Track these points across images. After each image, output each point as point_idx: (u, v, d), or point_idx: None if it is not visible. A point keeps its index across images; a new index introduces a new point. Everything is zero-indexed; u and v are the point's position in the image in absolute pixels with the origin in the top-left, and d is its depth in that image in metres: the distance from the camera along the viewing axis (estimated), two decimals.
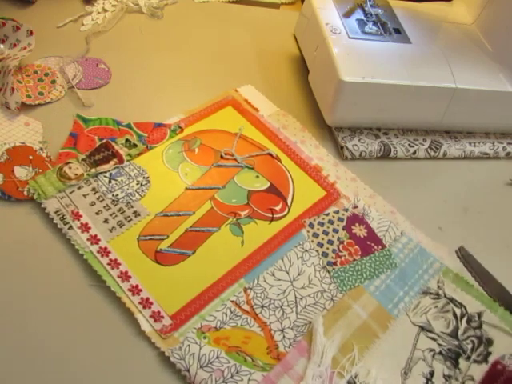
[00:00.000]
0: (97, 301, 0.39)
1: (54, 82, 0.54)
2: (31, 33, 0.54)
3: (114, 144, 0.49)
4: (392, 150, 0.55)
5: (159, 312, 0.38)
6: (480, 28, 0.62)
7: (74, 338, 0.37)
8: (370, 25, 0.58)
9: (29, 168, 0.45)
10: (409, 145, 0.56)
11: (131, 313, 0.38)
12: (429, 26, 0.61)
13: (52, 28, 0.60)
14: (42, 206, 0.43)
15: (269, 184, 0.49)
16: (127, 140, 0.49)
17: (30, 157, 0.46)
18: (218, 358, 0.37)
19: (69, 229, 0.42)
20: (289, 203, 0.48)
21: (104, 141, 0.49)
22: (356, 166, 0.54)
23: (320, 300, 0.42)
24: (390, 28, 0.58)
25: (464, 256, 0.44)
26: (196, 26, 0.66)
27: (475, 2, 0.63)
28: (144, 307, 0.39)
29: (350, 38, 0.55)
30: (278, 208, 0.48)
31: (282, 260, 0.44)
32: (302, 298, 0.42)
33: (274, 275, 0.43)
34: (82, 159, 0.47)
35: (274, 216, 0.47)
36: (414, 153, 0.56)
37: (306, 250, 0.45)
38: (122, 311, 0.39)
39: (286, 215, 0.47)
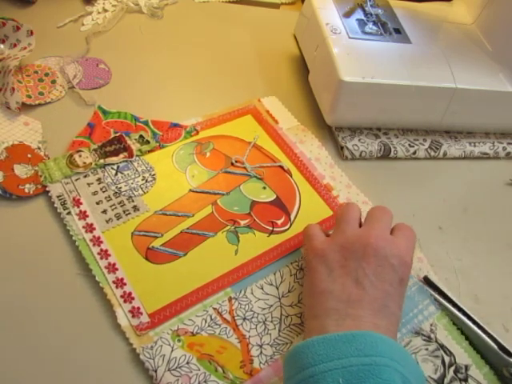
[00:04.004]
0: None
1: (54, 82, 0.54)
2: (31, 33, 0.54)
3: (127, 138, 0.49)
4: (392, 149, 0.55)
5: (139, 308, 0.38)
6: (480, 28, 0.62)
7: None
8: (370, 25, 0.58)
9: (28, 166, 0.45)
10: (409, 145, 0.56)
11: (111, 305, 0.38)
12: (429, 26, 0.61)
13: (52, 28, 0.60)
14: (47, 188, 0.44)
15: (275, 196, 0.49)
16: (141, 136, 0.50)
17: (29, 155, 0.46)
18: (188, 363, 0.36)
19: (67, 214, 0.43)
20: (292, 218, 0.47)
21: (118, 134, 0.50)
22: (356, 166, 0.54)
23: None
24: (390, 28, 0.58)
25: (429, 284, 0.44)
26: (196, 25, 0.66)
27: (475, 2, 0.63)
28: (125, 301, 0.39)
29: (350, 38, 0.55)
30: (279, 222, 0.47)
31: (274, 275, 0.43)
32: (287, 316, 0.40)
33: (262, 288, 0.42)
34: (94, 149, 0.48)
35: (274, 229, 0.46)
36: (414, 153, 0.56)
37: (301, 269, 0.44)
38: (103, 303, 0.39)
39: (286, 230, 0.46)
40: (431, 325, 0.42)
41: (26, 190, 0.44)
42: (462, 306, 0.42)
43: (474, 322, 0.41)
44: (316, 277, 0.38)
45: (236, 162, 0.51)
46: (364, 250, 0.38)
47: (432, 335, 0.41)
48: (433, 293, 0.43)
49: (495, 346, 0.40)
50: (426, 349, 0.40)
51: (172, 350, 0.37)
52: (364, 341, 0.32)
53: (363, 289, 0.36)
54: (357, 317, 0.35)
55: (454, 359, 0.40)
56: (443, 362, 0.40)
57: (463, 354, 0.40)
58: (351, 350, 0.31)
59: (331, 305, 0.36)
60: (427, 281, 0.44)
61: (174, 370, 0.36)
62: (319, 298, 0.37)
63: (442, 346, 0.41)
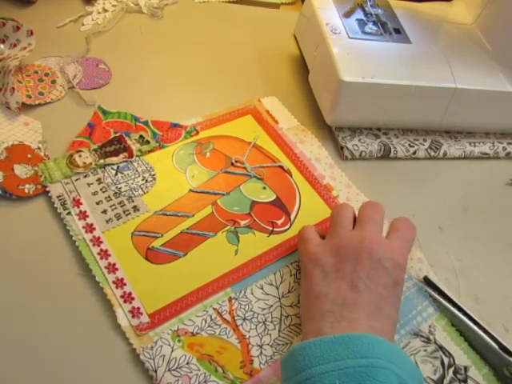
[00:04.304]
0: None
1: (54, 81, 0.54)
2: (31, 33, 0.54)
3: (127, 138, 0.49)
4: (392, 149, 0.55)
5: (139, 308, 0.38)
6: (480, 28, 0.62)
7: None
8: (370, 25, 0.58)
9: (28, 166, 0.45)
10: (409, 145, 0.56)
11: (111, 305, 0.38)
12: (429, 26, 0.61)
13: (52, 28, 0.60)
14: (47, 189, 0.44)
15: (275, 196, 0.49)
16: (141, 136, 0.50)
17: (29, 155, 0.46)
18: (188, 363, 0.36)
19: (67, 214, 0.43)
20: (292, 218, 0.47)
21: (118, 134, 0.50)
22: (356, 166, 0.54)
23: None
24: (390, 28, 0.58)
25: (429, 284, 0.44)
26: (196, 25, 0.66)
27: (475, 2, 0.63)
28: (125, 301, 0.39)
29: (349, 38, 0.55)
30: (279, 222, 0.47)
31: (274, 275, 0.43)
32: (287, 317, 0.40)
33: (262, 289, 0.42)
34: (94, 149, 0.48)
35: (274, 229, 0.46)
36: (414, 153, 0.56)
37: (301, 269, 0.43)
38: (103, 303, 0.39)
39: (286, 230, 0.46)
40: (430, 326, 0.42)
41: (26, 190, 0.44)
42: (462, 306, 0.42)
43: (475, 322, 0.41)
44: (311, 280, 0.38)
45: (236, 162, 0.51)
46: (357, 253, 0.38)
47: (431, 336, 0.41)
48: (432, 293, 0.43)
49: (496, 346, 0.40)
50: (425, 350, 0.40)
51: (172, 351, 0.37)
52: (360, 343, 0.32)
53: (358, 292, 0.36)
54: (352, 319, 0.35)
55: (454, 360, 0.40)
56: (442, 363, 0.40)
57: (462, 355, 0.40)
58: (348, 352, 0.31)
59: (327, 307, 0.36)
60: (427, 281, 0.44)
61: (174, 370, 0.36)
62: (315, 301, 0.37)
63: (441, 347, 0.41)
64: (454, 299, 0.43)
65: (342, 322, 0.35)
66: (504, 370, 0.39)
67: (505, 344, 0.40)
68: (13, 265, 0.40)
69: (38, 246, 0.41)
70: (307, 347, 0.32)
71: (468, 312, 0.42)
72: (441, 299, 0.43)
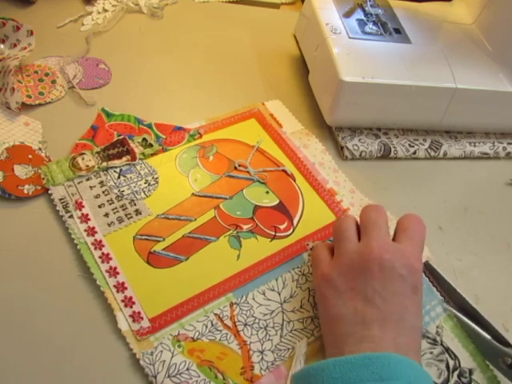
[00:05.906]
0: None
1: (54, 81, 0.54)
2: (31, 33, 0.54)
3: (130, 141, 0.49)
4: (392, 149, 0.55)
5: (139, 313, 0.38)
6: (480, 28, 0.62)
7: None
8: (370, 25, 0.58)
9: (28, 167, 0.45)
10: (409, 145, 0.56)
11: (112, 309, 0.38)
12: (429, 26, 0.61)
13: (52, 28, 0.60)
14: (49, 191, 0.44)
15: (278, 201, 0.48)
16: (144, 139, 0.50)
17: (30, 156, 0.46)
18: (188, 369, 0.36)
19: (69, 217, 0.43)
20: (295, 223, 0.47)
21: (121, 137, 0.49)
22: (356, 166, 0.54)
23: (309, 326, 0.40)
24: (390, 28, 0.58)
25: (429, 271, 0.44)
26: (196, 26, 0.66)
27: (475, 2, 0.63)
28: (125, 305, 0.38)
29: (350, 38, 0.55)
30: (282, 227, 0.46)
31: (276, 280, 0.42)
32: (289, 322, 0.40)
33: (264, 294, 0.41)
34: (96, 152, 0.48)
35: (277, 234, 0.46)
36: (414, 153, 0.56)
37: (304, 274, 0.43)
38: (104, 307, 0.39)
39: (289, 235, 0.46)
40: (437, 327, 0.41)
41: (25, 191, 0.44)
42: (461, 293, 0.42)
43: (471, 315, 0.41)
44: (326, 302, 0.37)
45: (239, 165, 0.50)
46: (368, 266, 0.36)
47: (438, 338, 0.41)
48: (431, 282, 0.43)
49: (489, 337, 0.40)
50: (431, 352, 0.40)
51: (172, 356, 0.36)
52: (381, 364, 0.31)
53: (375, 307, 0.35)
54: (373, 338, 0.33)
55: (459, 363, 0.40)
56: (447, 366, 0.39)
57: (468, 358, 0.40)
58: (367, 374, 0.30)
59: (346, 330, 0.35)
60: (427, 267, 0.44)
61: (173, 376, 0.35)
62: (334, 324, 0.36)
63: (447, 350, 0.40)
64: (452, 283, 0.42)
65: (364, 342, 0.34)
66: (499, 361, 0.39)
67: (501, 332, 0.39)
68: (13, 266, 0.40)
69: (39, 248, 0.41)
70: (326, 368, 0.31)
71: (465, 296, 0.41)
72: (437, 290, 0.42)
